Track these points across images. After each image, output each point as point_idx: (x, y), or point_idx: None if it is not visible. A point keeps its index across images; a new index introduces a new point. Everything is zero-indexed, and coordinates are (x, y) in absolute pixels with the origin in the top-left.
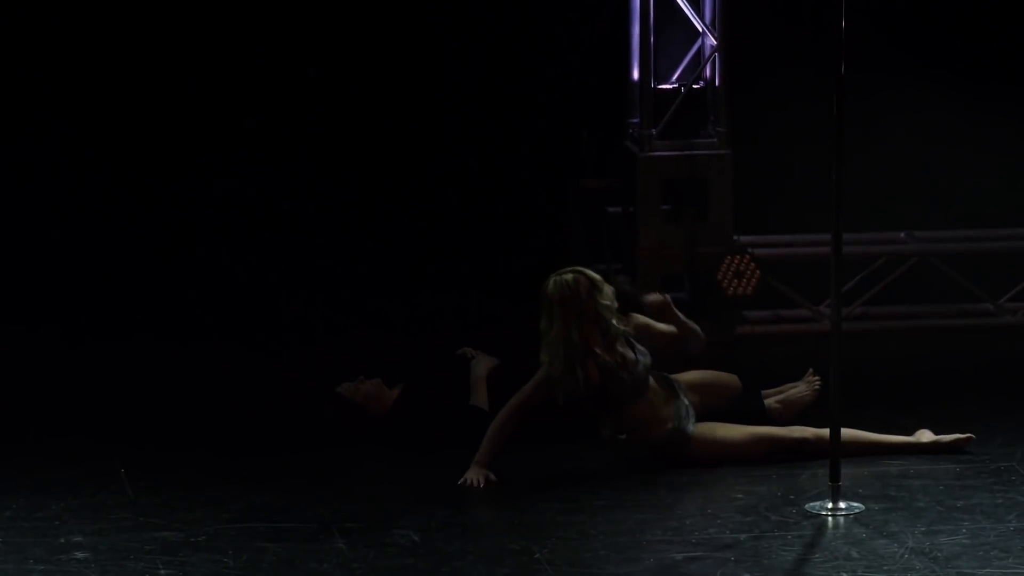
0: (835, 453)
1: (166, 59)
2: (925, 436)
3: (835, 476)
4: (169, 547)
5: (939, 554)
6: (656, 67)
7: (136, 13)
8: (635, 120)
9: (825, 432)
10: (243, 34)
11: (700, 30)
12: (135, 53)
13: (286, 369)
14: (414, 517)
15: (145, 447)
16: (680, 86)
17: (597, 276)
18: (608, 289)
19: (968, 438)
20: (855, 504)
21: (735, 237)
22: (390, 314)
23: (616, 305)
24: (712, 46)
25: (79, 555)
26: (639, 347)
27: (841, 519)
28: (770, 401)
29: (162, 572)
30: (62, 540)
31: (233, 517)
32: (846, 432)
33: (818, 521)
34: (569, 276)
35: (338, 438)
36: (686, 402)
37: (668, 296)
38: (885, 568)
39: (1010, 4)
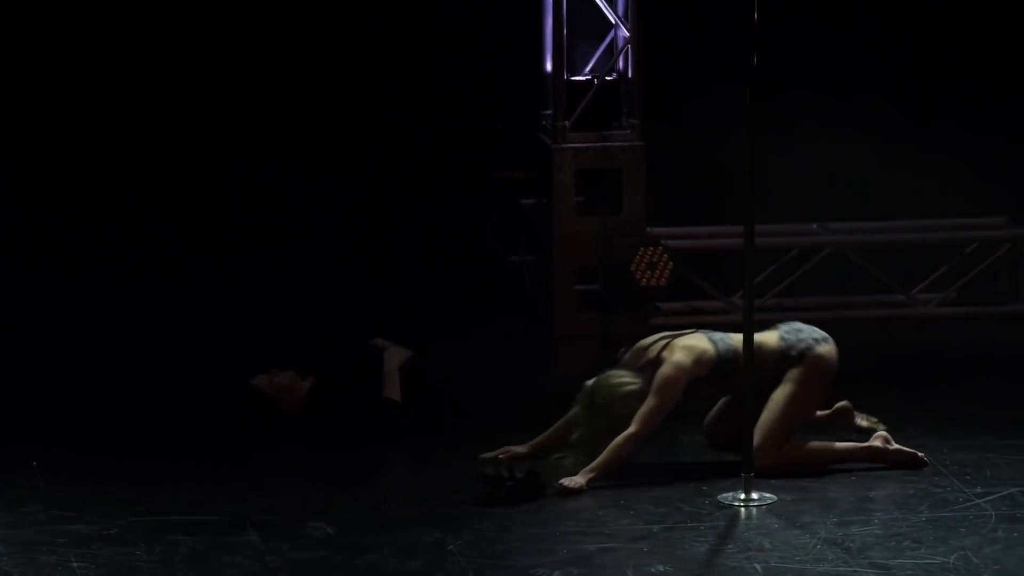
0: (747, 443)
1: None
2: (879, 440)
3: (748, 467)
4: (82, 540)
5: (851, 544)
6: (569, 59)
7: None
8: (549, 112)
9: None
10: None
11: (613, 22)
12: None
13: (200, 365)
14: (328, 510)
15: (59, 444)
16: (593, 78)
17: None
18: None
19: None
20: (768, 495)
21: (648, 229)
22: (304, 306)
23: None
24: (625, 38)
25: None
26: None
27: (754, 510)
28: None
29: (75, 565)
30: None
31: (146, 510)
32: (813, 445)
33: (731, 512)
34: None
35: (251, 430)
36: None
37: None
38: (797, 559)
39: None
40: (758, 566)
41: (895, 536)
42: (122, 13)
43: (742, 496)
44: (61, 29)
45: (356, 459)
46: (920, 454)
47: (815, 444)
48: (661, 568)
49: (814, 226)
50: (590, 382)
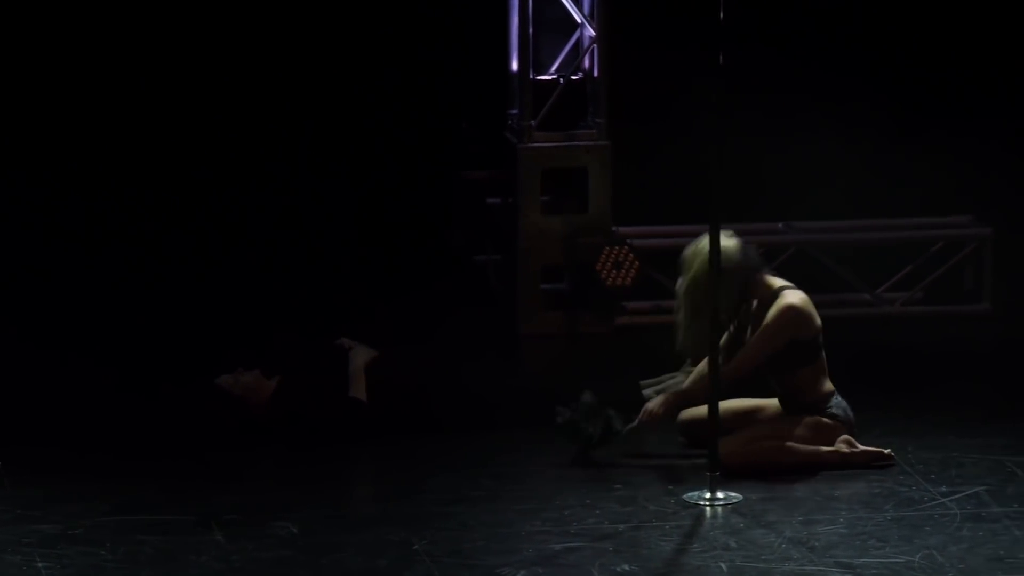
0: (713, 441)
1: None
2: (844, 445)
3: (714, 466)
4: (47, 540)
5: (816, 543)
6: (535, 58)
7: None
8: (515, 111)
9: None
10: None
11: (579, 21)
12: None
13: (166, 364)
14: (293, 509)
15: (24, 443)
16: (559, 77)
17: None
18: None
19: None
20: (733, 494)
21: (614, 228)
22: (270, 304)
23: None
24: (591, 37)
25: None
26: None
27: (719, 509)
28: (649, 392)
29: (40, 565)
30: None
31: (111, 510)
32: (779, 446)
33: (696, 511)
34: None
35: (216, 430)
36: None
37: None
38: (763, 558)
39: None
40: (723, 565)
41: (860, 535)
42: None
43: (707, 495)
44: (36, 21)
45: (321, 458)
46: (886, 451)
47: (780, 445)
48: (627, 567)
49: (779, 225)
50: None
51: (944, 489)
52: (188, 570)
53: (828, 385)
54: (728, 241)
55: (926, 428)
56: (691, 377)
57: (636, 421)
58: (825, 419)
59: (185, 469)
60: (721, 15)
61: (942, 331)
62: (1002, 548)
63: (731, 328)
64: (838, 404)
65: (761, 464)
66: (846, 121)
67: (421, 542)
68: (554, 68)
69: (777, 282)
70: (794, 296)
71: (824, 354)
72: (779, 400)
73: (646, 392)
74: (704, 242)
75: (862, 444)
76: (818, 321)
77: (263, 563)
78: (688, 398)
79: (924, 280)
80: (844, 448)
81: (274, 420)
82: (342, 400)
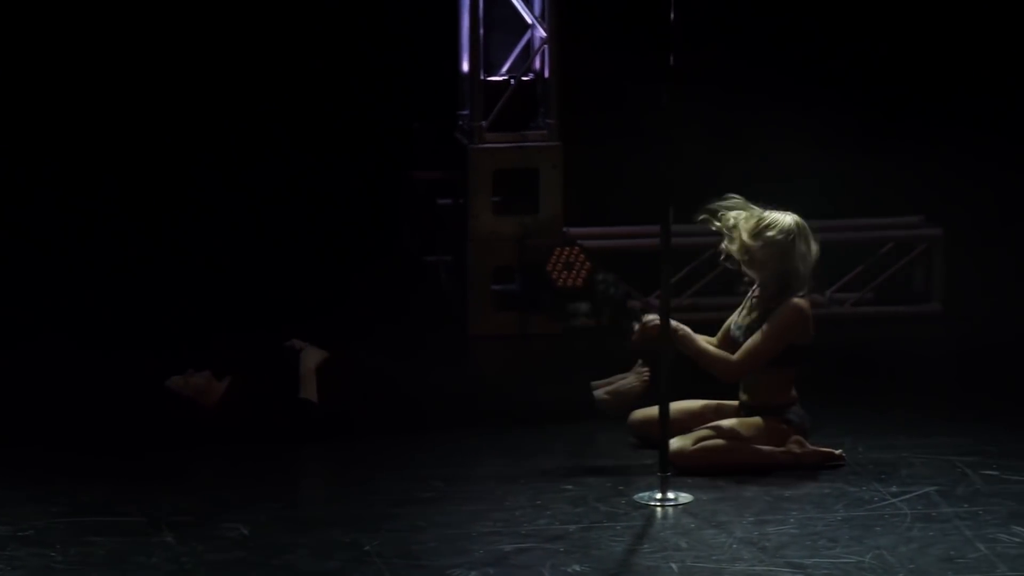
0: (664, 441)
1: None
2: (795, 445)
3: (664, 467)
4: None
5: (767, 544)
6: (486, 59)
7: None
8: (465, 112)
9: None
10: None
11: (530, 22)
12: None
13: (115, 363)
14: (243, 510)
15: None
16: (510, 78)
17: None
18: None
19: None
20: (684, 494)
21: (565, 229)
22: (219, 305)
23: None
24: (542, 38)
25: None
26: None
27: (670, 509)
28: (600, 392)
29: None
30: None
31: (61, 511)
32: (730, 446)
33: (647, 512)
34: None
35: (166, 431)
36: None
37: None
38: (714, 558)
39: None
40: (674, 565)
41: (811, 535)
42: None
43: (658, 496)
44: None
45: (271, 460)
46: (836, 452)
47: (731, 445)
48: (577, 568)
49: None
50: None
51: (895, 489)
52: (139, 572)
53: (794, 393)
54: (787, 219)
55: (876, 428)
56: (703, 345)
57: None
58: (779, 422)
59: (135, 470)
60: (672, 16)
61: (893, 331)
62: (952, 548)
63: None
64: (796, 412)
65: (712, 464)
66: (798, 123)
67: (372, 543)
68: (505, 69)
69: None
70: (801, 299)
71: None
72: (739, 400)
73: (596, 393)
74: (774, 216)
75: (813, 444)
76: (812, 331)
77: (214, 565)
78: (687, 343)
79: (875, 280)
80: (795, 448)
81: (224, 421)
82: (292, 401)
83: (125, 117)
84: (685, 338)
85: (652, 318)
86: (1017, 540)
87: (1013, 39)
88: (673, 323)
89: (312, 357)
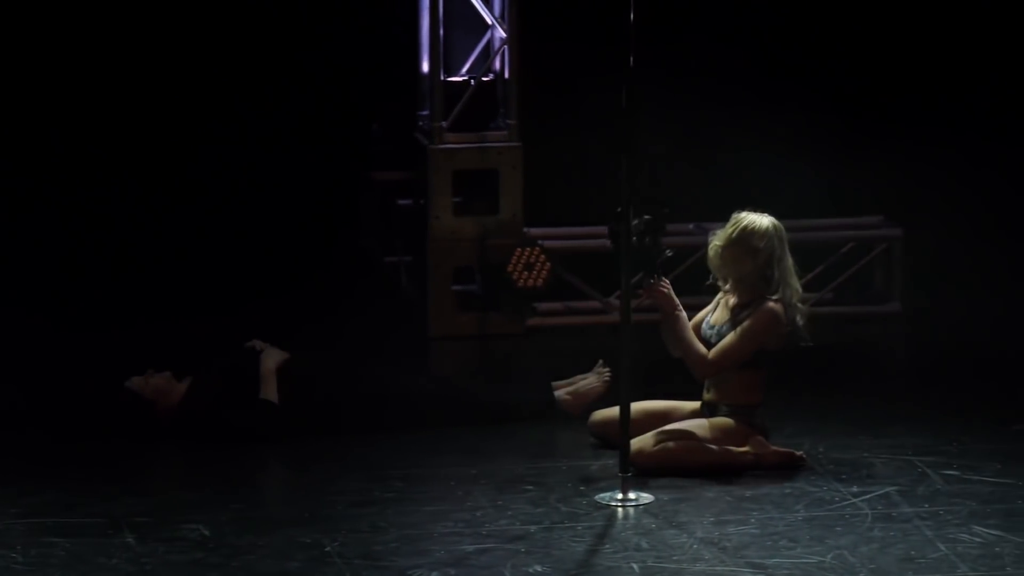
0: (625, 442)
1: None
2: (755, 446)
3: (625, 467)
4: None
5: (728, 544)
6: (446, 59)
7: None
8: (425, 112)
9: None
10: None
11: (490, 23)
12: None
13: (74, 361)
14: (204, 511)
15: None
16: (470, 78)
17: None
18: None
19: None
20: (645, 494)
21: (525, 229)
22: (180, 306)
23: None
24: (502, 39)
25: None
26: None
27: (631, 510)
28: (560, 393)
29: None
30: None
31: (21, 512)
32: (691, 446)
33: (608, 512)
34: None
35: (127, 432)
36: None
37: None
38: (675, 558)
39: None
40: (635, 566)
41: (771, 535)
42: None
43: (619, 496)
44: None
45: (232, 460)
46: (797, 452)
47: (692, 446)
48: (538, 568)
49: (690, 226)
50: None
51: (855, 489)
52: (100, 572)
53: (759, 396)
54: (764, 221)
55: (837, 428)
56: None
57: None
58: (742, 423)
59: (95, 471)
60: (631, 17)
61: (853, 331)
62: (913, 548)
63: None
64: (759, 415)
65: (673, 465)
66: (757, 123)
67: (333, 544)
68: (465, 69)
69: None
70: (775, 303)
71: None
72: (703, 399)
73: (557, 393)
74: (751, 218)
75: (773, 445)
76: (784, 333)
77: (175, 566)
78: (678, 328)
79: (835, 280)
80: (755, 449)
81: (184, 422)
82: (253, 402)
83: (84, 114)
84: (678, 322)
85: (665, 285)
86: (978, 540)
87: (971, 41)
88: (677, 302)
89: (272, 358)
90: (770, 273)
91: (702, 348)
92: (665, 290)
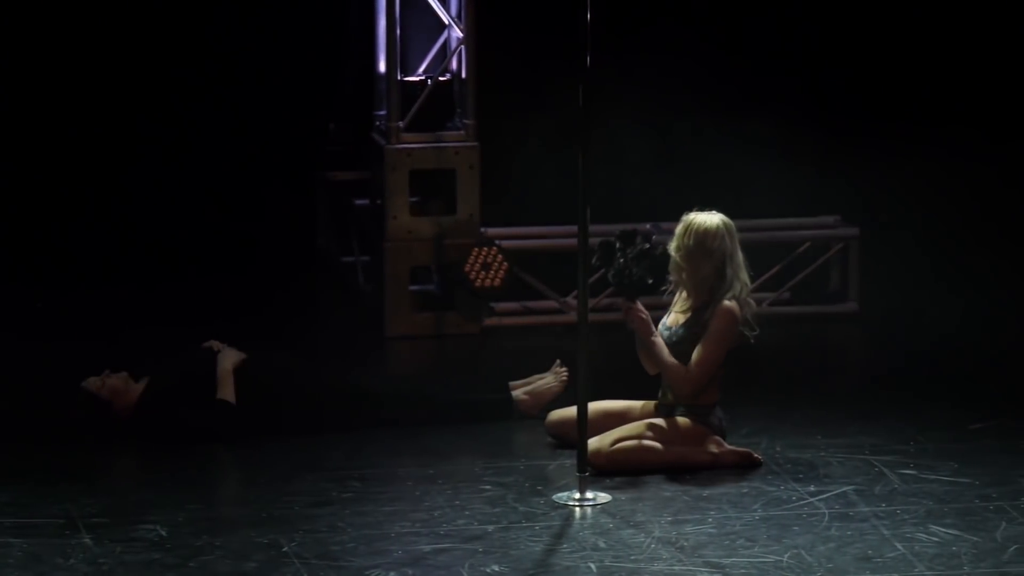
0: (582, 442)
1: None
2: (712, 445)
3: (582, 467)
4: None
5: (685, 543)
6: (403, 59)
7: None
8: (382, 112)
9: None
10: None
11: (446, 22)
12: None
13: (31, 362)
14: (161, 511)
15: None
16: (427, 78)
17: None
18: None
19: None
20: (602, 494)
21: (482, 229)
22: (136, 306)
23: None
24: (458, 38)
25: None
26: None
27: (588, 509)
28: (518, 392)
29: None
30: None
31: None
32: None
33: (566, 512)
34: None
35: (84, 432)
36: None
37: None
38: (632, 558)
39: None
40: (593, 565)
41: (729, 535)
42: None
43: (577, 496)
44: None
45: (189, 460)
46: (754, 453)
47: (649, 446)
48: (496, 568)
49: (647, 226)
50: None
51: (812, 488)
52: (57, 573)
53: (715, 396)
54: (714, 220)
55: (794, 428)
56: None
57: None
58: (697, 423)
59: (52, 471)
60: (588, 17)
61: (809, 331)
62: (870, 547)
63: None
64: (716, 414)
65: (630, 464)
66: (714, 123)
67: (290, 544)
68: (422, 69)
69: None
70: (731, 301)
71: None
72: (659, 400)
73: (515, 393)
74: (701, 220)
75: (730, 444)
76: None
77: (132, 566)
78: (652, 345)
79: (791, 280)
80: (713, 449)
81: (141, 422)
82: (210, 402)
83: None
84: (655, 347)
85: (642, 310)
86: (935, 539)
87: (927, 40)
88: (652, 328)
89: (229, 358)
90: (725, 270)
91: (681, 366)
92: (643, 316)
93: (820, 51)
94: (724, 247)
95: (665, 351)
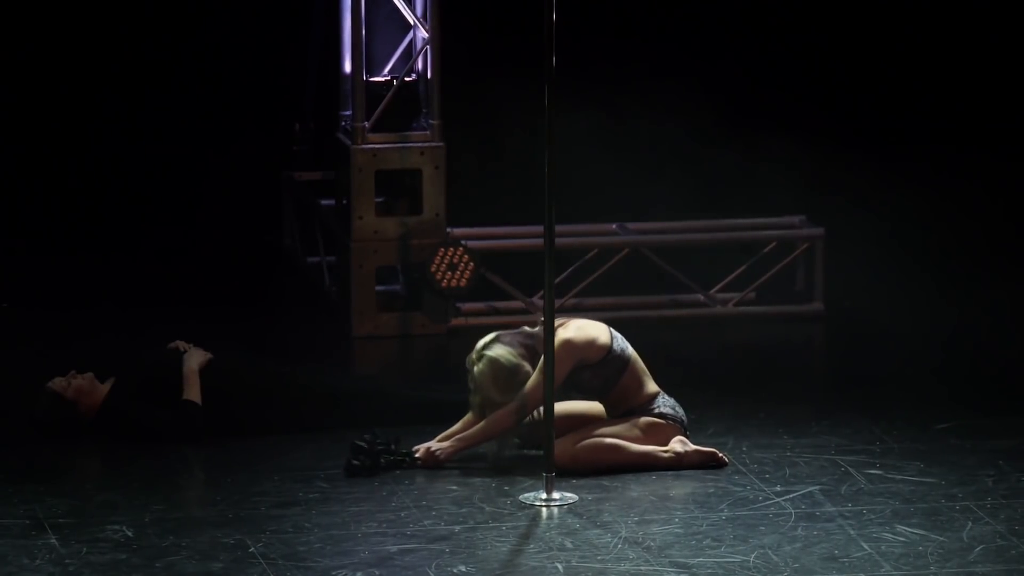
0: (549, 442)
1: None
2: (677, 445)
3: (549, 467)
4: None
5: (652, 543)
6: (368, 59)
7: None
8: (348, 112)
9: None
10: None
11: (412, 23)
12: None
13: None
14: (127, 512)
15: None
16: (392, 78)
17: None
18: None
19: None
20: (569, 494)
21: (448, 229)
22: (101, 306)
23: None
24: (424, 39)
25: None
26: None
27: (555, 509)
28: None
29: None
30: None
31: None
32: (612, 445)
33: (532, 512)
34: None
35: (49, 433)
36: None
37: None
38: (599, 558)
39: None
40: (559, 566)
41: (695, 535)
42: None
43: (543, 496)
44: None
45: (155, 461)
46: (720, 453)
47: (614, 446)
48: (463, 568)
49: (613, 226)
50: (480, 348)
51: (778, 488)
52: (23, 574)
53: (651, 387)
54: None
55: (760, 428)
56: (483, 424)
57: (417, 455)
58: (656, 419)
59: (17, 472)
60: (554, 17)
61: (775, 331)
62: (836, 547)
63: None
64: (665, 403)
65: (596, 465)
66: (679, 122)
67: (256, 544)
68: (387, 69)
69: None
70: (567, 330)
71: (637, 358)
72: (605, 410)
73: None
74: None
75: (696, 444)
76: (603, 339)
77: (98, 567)
78: (471, 442)
79: (757, 280)
80: (678, 448)
81: (107, 423)
82: (176, 403)
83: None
84: (473, 440)
85: (433, 446)
86: (901, 539)
87: (894, 37)
88: (448, 444)
89: (195, 358)
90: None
91: (491, 416)
92: (446, 450)
93: (783, 49)
94: (525, 372)
95: (477, 430)
